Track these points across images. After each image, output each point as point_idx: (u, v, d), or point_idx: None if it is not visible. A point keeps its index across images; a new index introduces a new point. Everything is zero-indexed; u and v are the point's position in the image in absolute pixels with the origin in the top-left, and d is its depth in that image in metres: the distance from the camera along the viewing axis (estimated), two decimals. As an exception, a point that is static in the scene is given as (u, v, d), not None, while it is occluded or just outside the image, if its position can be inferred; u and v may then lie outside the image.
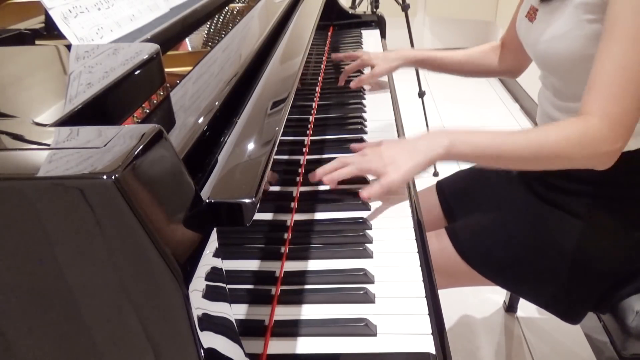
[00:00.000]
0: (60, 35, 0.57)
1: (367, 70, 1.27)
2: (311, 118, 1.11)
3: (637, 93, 0.72)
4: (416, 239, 0.75)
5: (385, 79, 1.36)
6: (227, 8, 1.01)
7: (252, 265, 0.63)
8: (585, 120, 0.74)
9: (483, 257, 0.95)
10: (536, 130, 0.80)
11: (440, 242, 0.98)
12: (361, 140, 1.02)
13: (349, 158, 0.83)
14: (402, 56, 1.22)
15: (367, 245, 0.74)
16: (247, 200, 0.45)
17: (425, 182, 0.86)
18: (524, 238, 0.93)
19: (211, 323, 0.42)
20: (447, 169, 1.42)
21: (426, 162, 0.78)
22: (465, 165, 1.09)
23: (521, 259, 0.93)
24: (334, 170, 0.82)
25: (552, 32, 0.85)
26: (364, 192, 0.79)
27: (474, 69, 1.20)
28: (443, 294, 0.67)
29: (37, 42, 0.66)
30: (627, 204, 0.89)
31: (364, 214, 0.81)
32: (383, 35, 1.64)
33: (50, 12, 0.57)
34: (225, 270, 0.46)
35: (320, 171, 0.82)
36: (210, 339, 0.41)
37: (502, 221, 0.97)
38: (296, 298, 0.66)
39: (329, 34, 1.62)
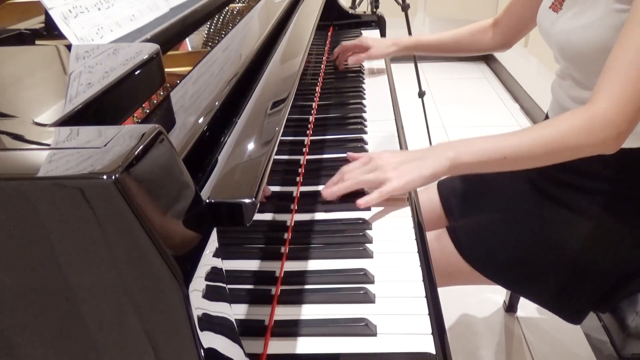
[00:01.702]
0: (60, 35, 0.57)
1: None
2: (311, 118, 1.11)
3: None
4: (416, 239, 0.75)
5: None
6: (227, 8, 1.01)
7: (252, 265, 0.63)
8: (592, 106, 0.74)
9: (485, 257, 0.95)
10: (540, 126, 0.78)
11: (440, 241, 0.98)
12: (361, 140, 1.02)
13: (350, 172, 0.82)
14: (396, 42, 1.30)
15: (367, 245, 0.74)
16: (247, 201, 0.45)
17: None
18: (527, 238, 0.93)
19: (211, 323, 0.42)
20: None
21: (431, 176, 0.77)
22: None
23: (524, 259, 0.93)
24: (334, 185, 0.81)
25: (579, 21, 0.83)
26: (362, 201, 0.79)
27: (464, 48, 1.27)
28: (443, 294, 0.67)
29: (37, 42, 0.66)
30: (631, 202, 0.89)
31: (364, 214, 0.81)
32: (383, 35, 1.64)
33: (50, 12, 0.57)
34: (225, 270, 0.46)
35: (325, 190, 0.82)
36: (210, 339, 0.41)
37: (504, 221, 0.97)
38: (296, 298, 0.66)
39: (329, 34, 1.62)
